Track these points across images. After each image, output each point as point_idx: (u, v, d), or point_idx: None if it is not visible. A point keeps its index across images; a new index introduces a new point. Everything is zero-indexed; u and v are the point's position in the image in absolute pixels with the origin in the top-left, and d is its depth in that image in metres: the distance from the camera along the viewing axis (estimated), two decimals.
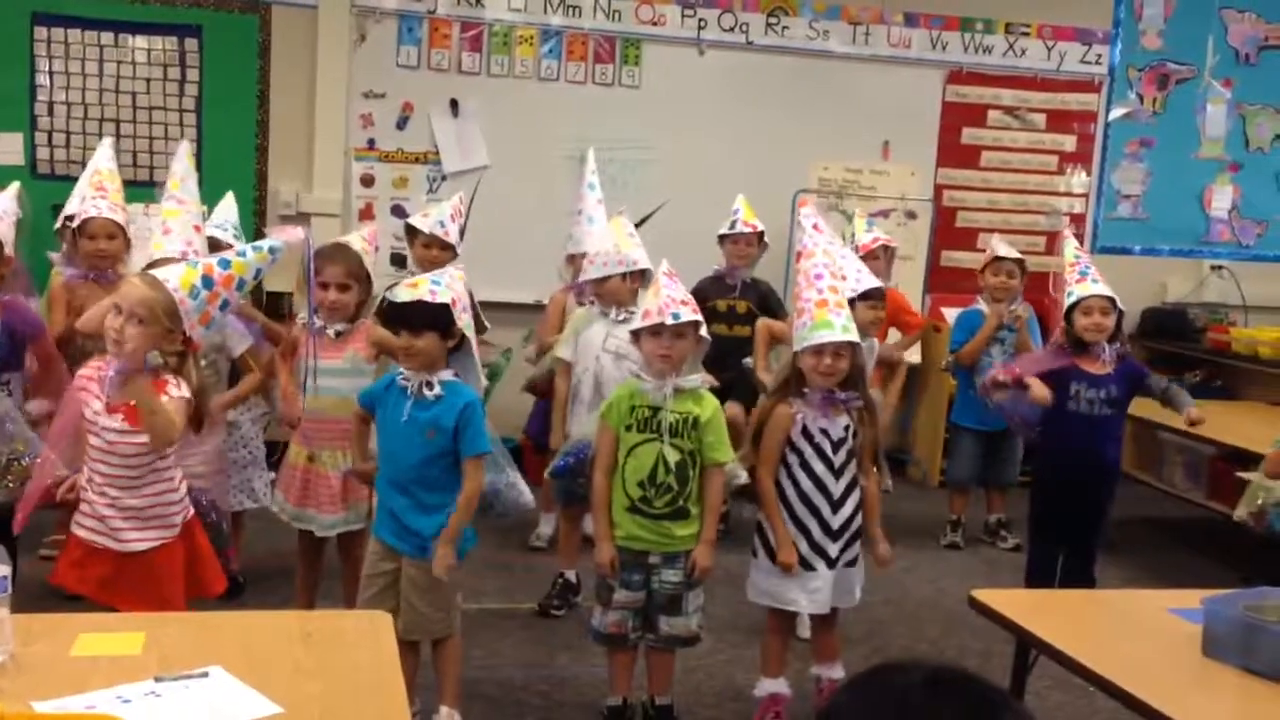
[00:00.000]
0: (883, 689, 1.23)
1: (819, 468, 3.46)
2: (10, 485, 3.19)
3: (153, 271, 2.98)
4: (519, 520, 4.22)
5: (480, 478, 3.23)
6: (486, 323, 4.59)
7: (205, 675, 2.09)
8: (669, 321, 3.31)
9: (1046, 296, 4.95)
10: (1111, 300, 4.33)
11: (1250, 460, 4.58)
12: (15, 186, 4.08)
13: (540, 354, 4.95)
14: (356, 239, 4.12)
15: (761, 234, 5.21)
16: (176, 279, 2.87)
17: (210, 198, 3.94)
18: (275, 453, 4.08)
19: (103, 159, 4.35)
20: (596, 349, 4.21)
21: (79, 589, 3.00)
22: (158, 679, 2.07)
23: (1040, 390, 4.23)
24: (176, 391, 2.89)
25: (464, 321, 3.23)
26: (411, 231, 4.67)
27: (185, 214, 3.82)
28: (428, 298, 3.17)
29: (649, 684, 3.56)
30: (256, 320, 4.37)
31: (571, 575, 4.51)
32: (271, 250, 3.01)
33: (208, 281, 2.89)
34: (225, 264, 2.93)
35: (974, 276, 5.73)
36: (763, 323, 4.87)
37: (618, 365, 4.11)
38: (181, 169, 3.90)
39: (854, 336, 3.41)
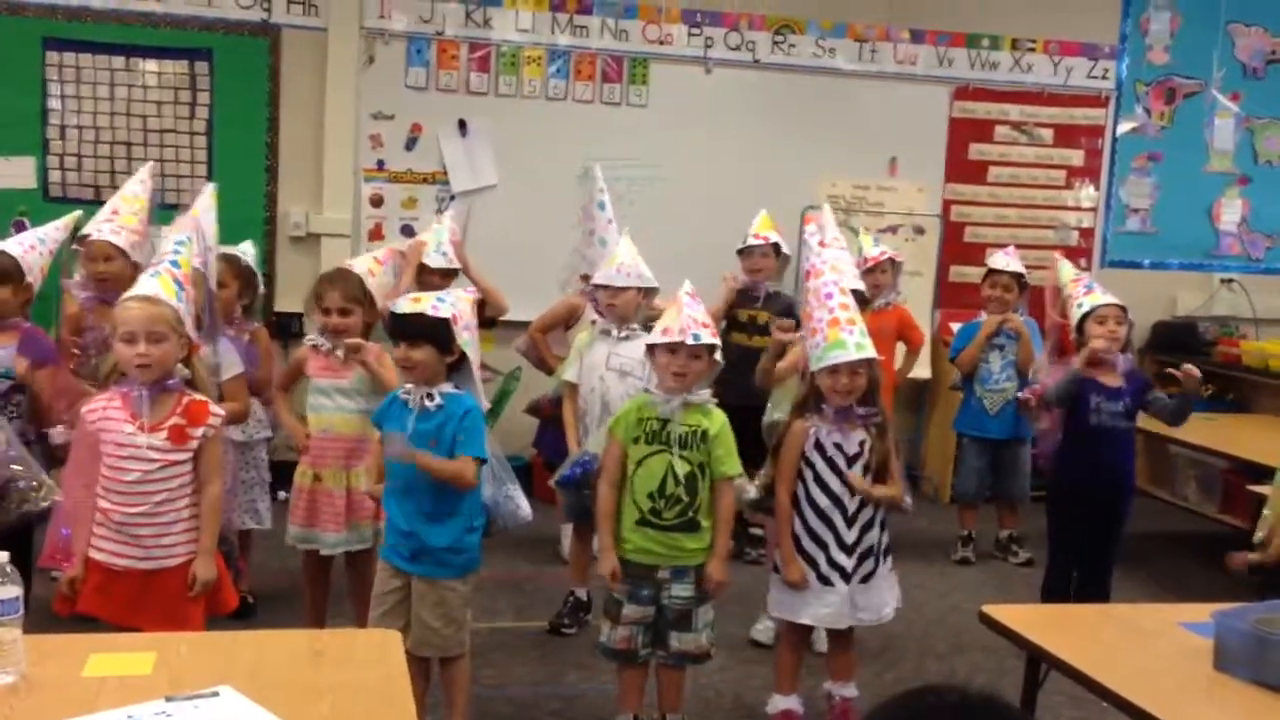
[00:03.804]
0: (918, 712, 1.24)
1: (834, 483, 3.46)
2: (10, 509, 3.19)
3: (134, 291, 3.03)
4: (530, 538, 4.22)
5: (471, 472, 3.19)
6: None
7: (215, 695, 2.10)
8: (689, 342, 3.32)
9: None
10: (1123, 309, 4.33)
11: (1263, 474, 4.54)
12: (72, 217, 4.15)
13: (531, 347, 5.02)
14: (368, 260, 4.14)
15: (777, 245, 5.27)
16: (160, 289, 3.00)
17: (222, 219, 3.96)
18: (284, 475, 4.09)
19: (132, 183, 4.32)
20: (600, 369, 4.23)
21: (101, 613, 3.00)
22: (168, 699, 2.07)
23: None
24: (220, 412, 3.06)
25: (464, 339, 3.26)
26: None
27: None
28: (429, 312, 3.22)
29: (659, 701, 3.54)
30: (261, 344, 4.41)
31: (583, 593, 4.51)
32: (189, 240, 3.27)
33: (179, 284, 3.06)
34: (175, 264, 3.11)
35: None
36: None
37: (623, 382, 4.15)
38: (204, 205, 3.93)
39: (869, 353, 3.41)
